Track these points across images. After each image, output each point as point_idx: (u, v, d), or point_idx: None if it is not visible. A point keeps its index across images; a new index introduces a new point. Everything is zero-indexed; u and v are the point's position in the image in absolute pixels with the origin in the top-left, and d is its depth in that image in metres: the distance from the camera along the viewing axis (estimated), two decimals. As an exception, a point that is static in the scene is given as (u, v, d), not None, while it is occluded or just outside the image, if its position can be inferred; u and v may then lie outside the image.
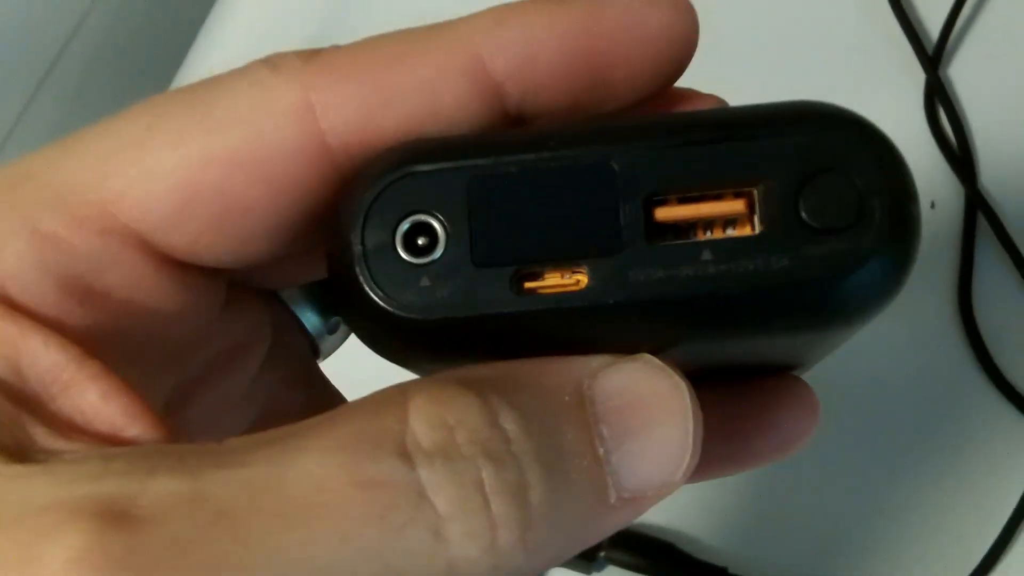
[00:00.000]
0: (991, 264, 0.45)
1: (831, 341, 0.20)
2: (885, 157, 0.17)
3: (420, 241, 0.17)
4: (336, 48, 0.19)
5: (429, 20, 0.19)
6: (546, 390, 0.17)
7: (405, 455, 0.15)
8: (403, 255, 0.17)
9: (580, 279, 0.17)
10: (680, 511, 0.44)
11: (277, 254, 0.19)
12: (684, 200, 0.17)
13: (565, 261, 0.17)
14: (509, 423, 0.16)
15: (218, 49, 0.54)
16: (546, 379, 0.17)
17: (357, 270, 0.17)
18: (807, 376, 0.43)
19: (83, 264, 0.18)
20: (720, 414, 0.22)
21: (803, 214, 0.17)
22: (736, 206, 0.17)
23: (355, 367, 0.24)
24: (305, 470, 0.15)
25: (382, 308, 0.17)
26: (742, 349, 0.19)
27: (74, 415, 0.17)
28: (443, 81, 0.18)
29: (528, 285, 0.17)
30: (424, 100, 0.18)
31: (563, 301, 0.17)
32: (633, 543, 0.42)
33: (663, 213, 0.17)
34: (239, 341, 0.22)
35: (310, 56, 0.19)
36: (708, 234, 0.17)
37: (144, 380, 0.19)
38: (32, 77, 0.53)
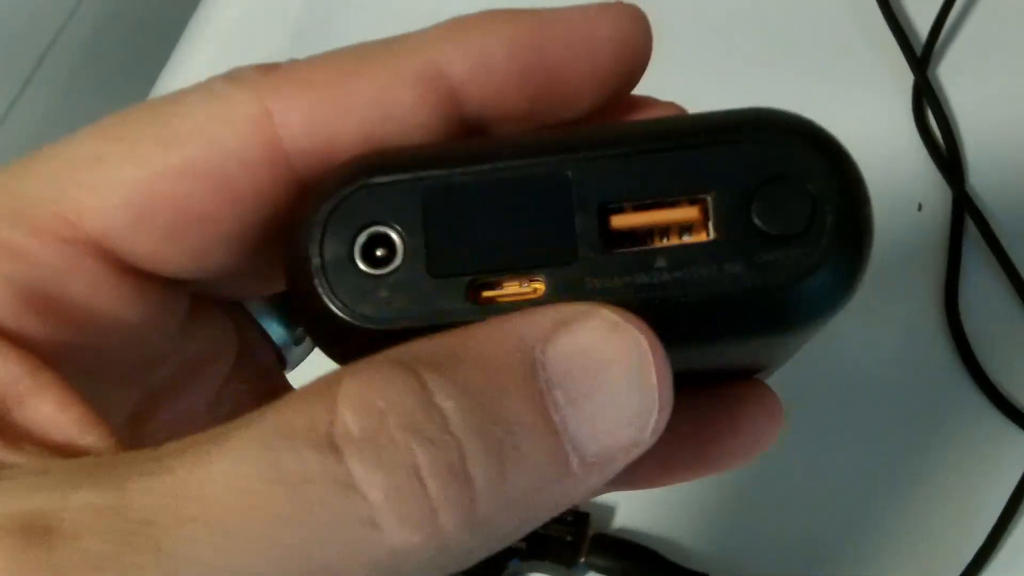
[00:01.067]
0: (978, 267, 0.46)
1: (791, 345, 0.21)
2: (837, 163, 0.18)
3: (378, 252, 0.18)
4: (294, 61, 0.19)
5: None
6: (490, 360, 0.16)
7: (332, 446, 0.15)
8: (361, 266, 0.18)
9: (538, 288, 0.18)
10: (662, 516, 0.44)
11: (239, 264, 0.20)
12: (639, 208, 0.18)
13: (522, 270, 0.18)
14: (446, 401, 0.15)
15: (203, 46, 0.55)
16: (490, 348, 0.16)
17: (316, 282, 0.18)
18: (785, 379, 0.44)
19: (43, 273, 0.18)
20: (682, 418, 0.22)
21: (756, 221, 0.17)
22: (690, 213, 0.17)
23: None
24: (228, 471, 0.15)
25: (341, 319, 0.18)
26: (701, 354, 0.19)
27: (30, 427, 0.17)
28: (398, 88, 0.19)
29: (486, 294, 0.18)
30: (380, 107, 0.19)
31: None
32: (614, 548, 0.43)
33: (619, 221, 0.18)
34: (204, 352, 0.23)
35: (268, 69, 0.19)
36: (664, 241, 0.18)
37: (108, 391, 0.19)
38: (19, 74, 0.53)
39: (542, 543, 0.43)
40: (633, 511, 0.44)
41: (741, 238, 0.17)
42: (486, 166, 0.18)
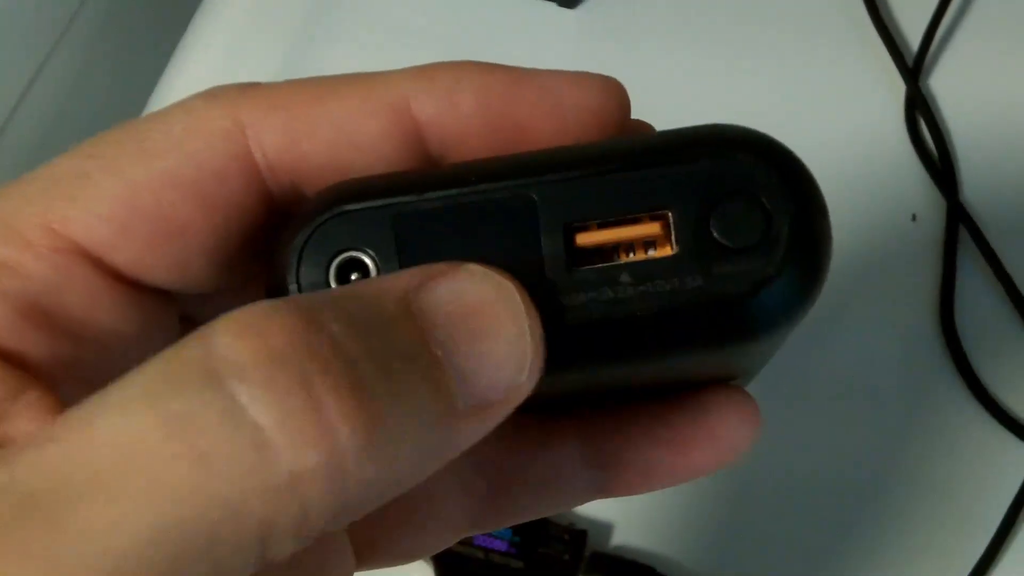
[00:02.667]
0: (973, 277, 0.47)
1: (758, 353, 0.22)
2: (792, 176, 0.19)
3: (353, 277, 0.19)
4: (271, 83, 0.21)
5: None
6: (370, 298, 0.17)
7: (214, 376, 0.15)
8: None
9: None
10: (659, 534, 0.45)
11: (218, 278, 0.21)
12: (603, 225, 0.19)
13: None
14: (335, 325, 0.15)
15: (198, 59, 0.56)
16: (366, 291, 0.17)
17: None
18: (780, 390, 0.44)
19: (38, 286, 0.19)
20: (659, 424, 0.23)
21: (715, 234, 0.18)
22: (652, 229, 0.19)
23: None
24: (112, 429, 0.14)
25: None
26: (670, 364, 0.20)
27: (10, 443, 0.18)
28: (366, 116, 0.20)
29: None
30: (347, 132, 0.20)
31: None
32: (612, 566, 0.44)
33: (584, 239, 0.19)
34: None
35: (244, 88, 0.20)
36: (631, 256, 0.19)
37: None
38: (17, 84, 0.54)
39: (539, 562, 0.44)
40: (631, 529, 0.45)
41: (701, 251, 0.18)
42: (454, 191, 0.19)
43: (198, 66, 0.56)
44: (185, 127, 0.20)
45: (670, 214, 0.18)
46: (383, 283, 0.17)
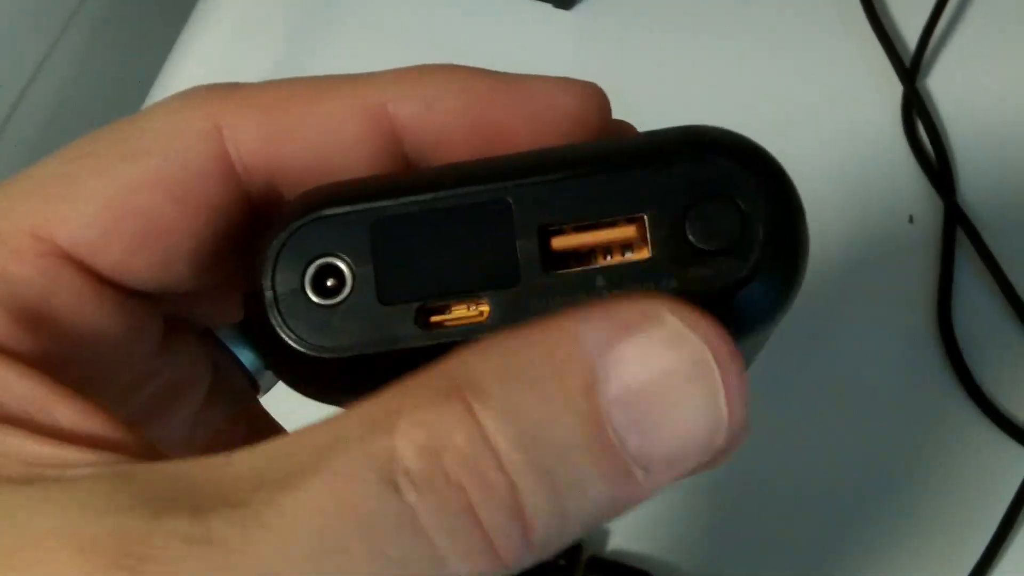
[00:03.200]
0: (971, 279, 0.47)
1: (742, 351, 0.21)
2: (768, 178, 0.19)
3: (329, 283, 0.19)
4: (250, 84, 0.21)
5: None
6: (545, 383, 0.17)
7: (395, 487, 0.16)
8: (312, 297, 0.19)
9: (483, 310, 0.19)
10: (657, 537, 0.45)
11: (202, 281, 0.21)
12: (579, 229, 0.19)
13: (467, 295, 0.19)
14: (499, 437, 0.16)
15: (191, 67, 0.56)
16: (548, 366, 0.17)
17: (269, 314, 0.19)
18: (777, 392, 0.44)
19: (28, 291, 0.19)
20: None
21: (691, 237, 0.19)
22: (628, 232, 0.19)
23: (297, 398, 0.25)
24: (302, 510, 0.16)
25: (294, 350, 0.19)
26: None
27: (60, 433, 0.18)
28: (343, 118, 0.20)
29: (434, 319, 0.19)
30: (324, 134, 0.20)
31: (467, 333, 0.19)
32: (609, 570, 0.44)
33: (560, 242, 0.19)
34: (179, 378, 0.24)
35: (222, 88, 0.21)
36: (608, 259, 0.19)
37: None
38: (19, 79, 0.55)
39: (535, 567, 0.43)
40: (628, 533, 0.45)
41: (677, 254, 0.19)
42: (429, 195, 0.19)
43: (196, 64, 0.56)
44: (165, 127, 0.20)
45: (646, 217, 0.19)
46: (567, 351, 0.17)
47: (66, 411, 0.18)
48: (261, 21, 0.57)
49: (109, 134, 0.20)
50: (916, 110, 0.49)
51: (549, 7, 0.54)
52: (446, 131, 0.20)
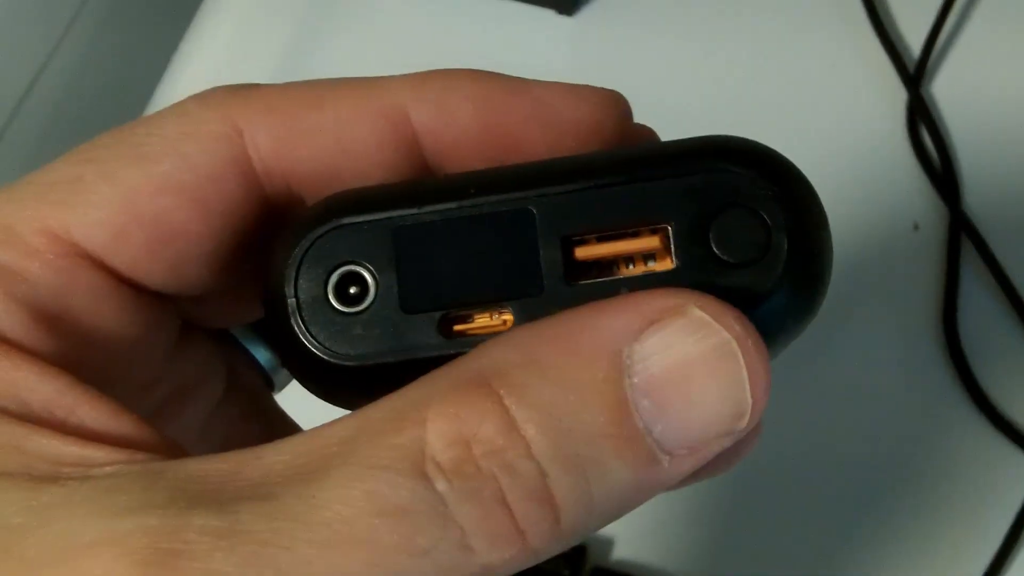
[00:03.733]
0: (976, 286, 0.47)
1: None
2: (790, 189, 0.19)
3: (351, 290, 0.19)
4: (266, 85, 0.21)
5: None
6: (572, 372, 0.17)
7: (425, 477, 0.16)
8: (335, 305, 0.19)
9: (507, 320, 0.19)
10: (660, 548, 0.45)
11: (217, 282, 0.21)
12: (602, 239, 0.19)
13: (490, 304, 0.19)
14: (528, 426, 0.17)
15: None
16: (572, 356, 0.17)
17: (292, 322, 0.19)
18: (782, 402, 0.44)
19: (46, 291, 0.20)
20: None
21: (715, 248, 0.19)
22: (652, 242, 0.19)
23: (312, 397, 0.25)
24: (331, 501, 0.16)
25: (317, 357, 0.19)
26: None
27: (84, 432, 0.18)
28: (360, 123, 0.21)
29: (457, 328, 0.19)
30: (341, 139, 0.21)
31: None
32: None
33: (583, 252, 0.19)
34: (194, 377, 0.24)
35: (238, 90, 0.21)
36: (630, 268, 0.19)
37: None
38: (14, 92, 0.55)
39: (539, 577, 0.44)
40: (632, 543, 0.45)
41: (700, 265, 0.19)
42: (453, 204, 0.19)
43: (202, 63, 0.56)
44: (180, 131, 0.20)
45: (670, 228, 0.19)
46: (595, 339, 0.17)
47: (90, 411, 0.18)
48: (267, 19, 0.57)
49: (122, 136, 0.20)
50: (920, 116, 0.50)
51: (552, 13, 0.54)
52: (463, 136, 0.21)
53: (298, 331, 0.19)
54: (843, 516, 0.45)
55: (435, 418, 0.17)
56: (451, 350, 0.19)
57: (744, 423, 0.18)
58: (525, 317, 0.19)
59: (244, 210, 0.21)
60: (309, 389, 0.20)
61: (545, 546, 0.17)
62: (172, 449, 0.19)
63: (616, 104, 0.21)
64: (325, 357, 0.19)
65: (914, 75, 0.50)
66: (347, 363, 0.19)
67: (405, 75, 0.21)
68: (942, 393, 0.46)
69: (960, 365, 0.46)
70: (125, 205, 0.20)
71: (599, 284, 0.19)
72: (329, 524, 0.16)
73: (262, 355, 0.24)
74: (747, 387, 0.18)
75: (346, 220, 0.19)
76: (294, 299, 0.19)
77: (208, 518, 0.16)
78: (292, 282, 0.19)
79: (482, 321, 0.19)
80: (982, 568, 0.43)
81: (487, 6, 0.55)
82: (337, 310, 0.19)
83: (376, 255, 0.19)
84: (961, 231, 0.48)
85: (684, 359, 0.17)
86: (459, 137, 0.21)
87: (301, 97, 0.21)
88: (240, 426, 0.26)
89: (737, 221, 0.19)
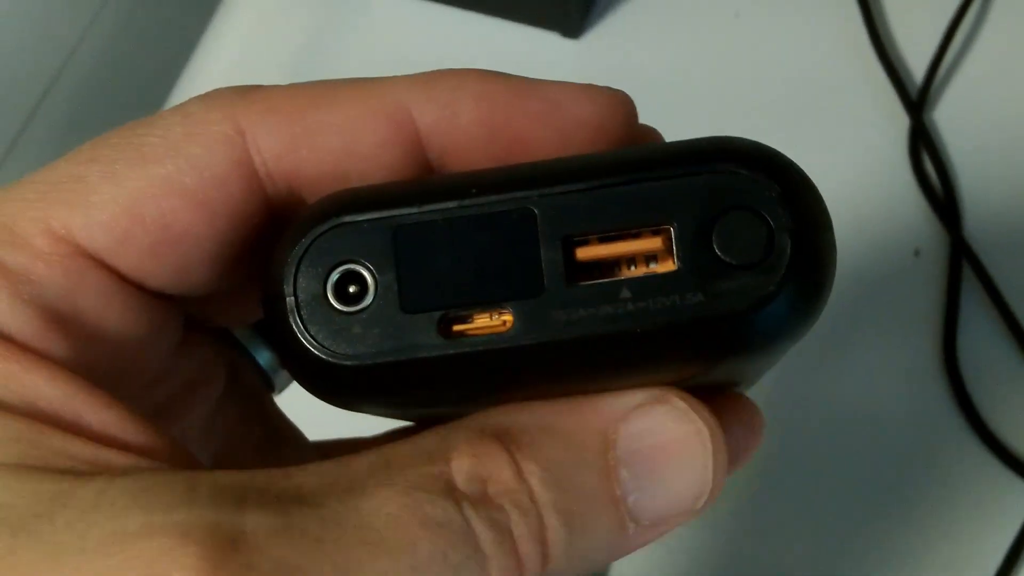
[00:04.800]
0: (976, 313, 0.48)
1: (762, 364, 0.22)
2: (794, 191, 0.19)
3: (351, 289, 0.19)
4: (270, 86, 0.21)
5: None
6: (571, 438, 0.20)
7: (456, 500, 0.19)
8: (334, 304, 0.19)
9: (506, 320, 0.19)
10: (657, 570, 0.45)
11: (221, 284, 0.22)
12: (604, 239, 0.19)
13: (490, 304, 0.19)
14: (533, 477, 0.19)
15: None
16: (572, 425, 0.20)
17: (291, 320, 0.19)
18: (781, 426, 0.45)
19: (53, 292, 0.20)
20: None
21: (717, 250, 0.19)
22: (654, 244, 0.19)
23: (312, 399, 0.26)
24: (379, 509, 0.18)
25: (315, 356, 0.19)
26: (670, 375, 0.21)
27: (96, 437, 0.19)
28: (365, 124, 0.21)
29: (456, 328, 0.19)
30: (345, 139, 0.21)
31: (489, 343, 0.19)
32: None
33: (584, 253, 0.19)
34: (194, 378, 0.25)
35: (242, 91, 0.21)
36: (632, 270, 0.19)
37: None
38: (23, 109, 0.56)
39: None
40: (628, 565, 0.45)
41: (703, 267, 0.19)
42: (454, 203, 0.19)
43: (223, 56, 0.57)
44: (184, 132, 0.20)
45: (672, 229, 0.19)
46: (590, 417, 0.20)
47: (100, 415, 0.19)
48: (287, 14, 0.58)
49: (125, 137, 0.21)
50: (923, 143, 0.50)
51: (557, 36, 0.55)
52: (468, 136, 0.21)
53: (296, 330, 0.19)
54: (840, 540, 0.45)
55: (458, 458, 0.19)
56: (451, 350, 0.19)
57: (701, 504, 0.21)
58: (525, 317, 0.19)
59: (247, 211, 0.21)
60: (307, 389, 0.21)
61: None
62: (180, 456, 0.19)
63: (622, 104, 0.22)
64: (323, 356, 0.19)
65: (916, 101, 0.51)
66: (346, 363, 0.19)
67: (410, 75, 0.21)
68: (941, 419, 0.46)
69: (959, 391, 0.46)
70: (128, 207, 0.20)
71: (600, 285, 0.19)
72: (379, 530, 0.18)
73: (263, 357, 0.24)
74: (710, 472, 0.20)
75: (346, 219, 0.19)
76: (293, 297, 0.19)
77: (261, 516, 0.17)
78: (291, 280, 0.19)
79: (482, 321, 0.19)
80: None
81: (493, 28, 0.56)
82: (336, 309, 0.19)
83: (376, 254, 0.19)
84: (962, 257, 0.48)
85: (663, 440, 0.20)
86: (465, 137, 0.21)
87: (305, 98, 0.21)
88: (239, 428, 0.26)
89: (740, 222, 0.19)
